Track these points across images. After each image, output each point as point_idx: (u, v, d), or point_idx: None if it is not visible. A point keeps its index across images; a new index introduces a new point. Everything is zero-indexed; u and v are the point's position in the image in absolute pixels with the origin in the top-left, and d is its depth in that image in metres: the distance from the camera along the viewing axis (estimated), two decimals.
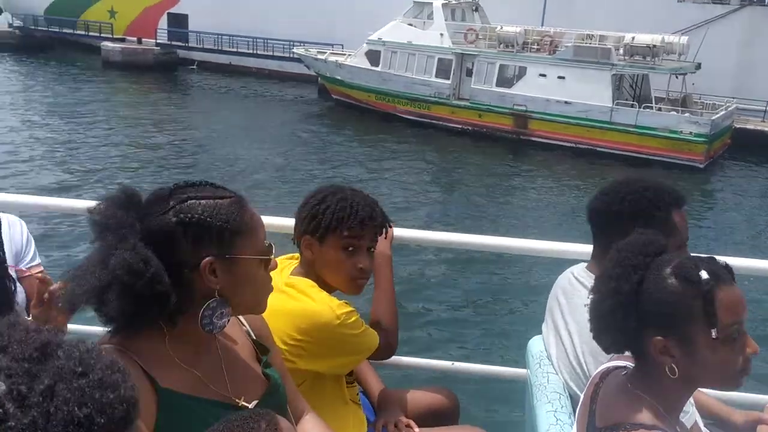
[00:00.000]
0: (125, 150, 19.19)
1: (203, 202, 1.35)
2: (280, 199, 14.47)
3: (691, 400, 1.87)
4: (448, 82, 25.04)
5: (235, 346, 1.55)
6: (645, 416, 1.42)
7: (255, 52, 34.92)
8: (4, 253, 2.05)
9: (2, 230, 2.11)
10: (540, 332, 2.18)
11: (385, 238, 2.15)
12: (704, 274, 1.38)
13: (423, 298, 10.10)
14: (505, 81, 24.26)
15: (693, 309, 1.37)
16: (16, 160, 17.14)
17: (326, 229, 1.97)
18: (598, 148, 22.06)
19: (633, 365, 1.53)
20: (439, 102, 25.07)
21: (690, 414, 1.82)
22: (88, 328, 2.27)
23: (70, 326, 2.24)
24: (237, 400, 1.46)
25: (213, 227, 1.33)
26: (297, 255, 2.11)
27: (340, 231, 1.97)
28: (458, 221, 14.74)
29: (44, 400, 0.68)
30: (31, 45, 37.26)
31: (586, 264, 2.08)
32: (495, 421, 5.82)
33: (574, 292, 2.00)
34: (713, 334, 1.37)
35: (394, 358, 2.39)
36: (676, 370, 1.40)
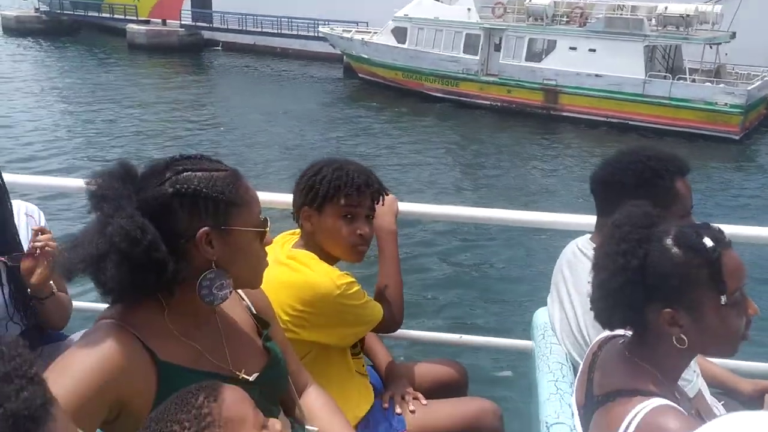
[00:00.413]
0: (152, 132, 19.35)
1: (199, 174, 1.37)
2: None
3: (697, 369, 1.92)
4: (476, 57, 24.92)
5: (235, 320, 1.57)
6: (643, 383, 1.42)
7: (280, 31, 34.99)
8: (21, 243, 2.10)
9: (20, 219, 2.16)
10: (545, 304, 2.20)
11: (383, 205, 2.16)
12: (708, 242, 1.39)
13: (430, 272, 10.19)
14: (534, 55, 24.09)
15: (700, 277, 1.38)
16: (43, 142, 17.37)
17: (324, 198, 2.01)
18: (631, 122, 21.87)
19: (630, 334, 1.53)
20: (467, 78, 24.98)
21: (693, 383, 1.84)
22: (96, 305, 2.33)
23: (79, 304, 2.32)
24: (237, 373, 1.47)
25: (209, 198, 1.35)
26: (298, 231, 2.15)
27: (338, 199, 2.01)
28: (486, 198, 14.73)
29: None
30: (58, 29, 37.66)
31: (590, 235, 2.09)
32: (503, 393, 5.88)
33: (577, 263, 2.01)
34: (723, 300, 1.38)
35: (402, 332, 2.41)
36: (686, 339, 1.41)
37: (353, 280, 2.02)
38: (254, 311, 1.66)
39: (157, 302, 1.40)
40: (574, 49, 23.10)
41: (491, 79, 24.62)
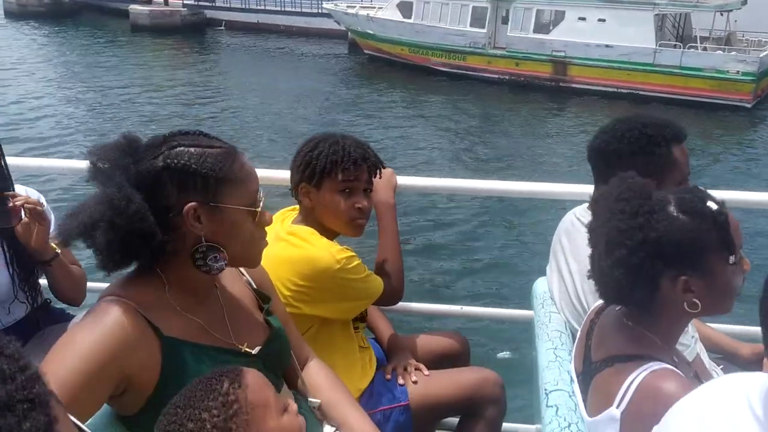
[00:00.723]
0: (158, 114, 19.37)
1: (192, 149, 1.39)
2: None
3: (695, 334, 1.94)
4: (484, 31, 24.69)
5: (235, 295, 1.59)
6: (640, 348, 1.44)
7: (283, 9, 34.77)
8: None
9: None
10: (545, 274, 2.23)
11: (380, 178, 2.19)
12: (713, 205, 1.42)
13: (431, 245, 10.29)
14: (542, 27, 23.84)
15: (711, 241, 1.40)
16: (48, 126, 17.40)
17: (321, 173, 2.04)
18: (641, 92, 21.68)
19: None
20: (475, 52, 24.78)
21: (691, 348, 1.86)
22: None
23: (94, 284, 2.35)
24: (240, 347, 1.50)
25: (198, 174, 1.37)
26: (297, 207, 2.18)
27: (335, 174, 2.03)
28: (495, 171, 14.71)
29: None
30: (60, 12, 37.53)
31: (587, 204, 2.05)
32: (504, 363, 5.93)
33: (575, 232, 2.02)
34: (731, 260, 1.42)
35: (403, 305, 2.45)
36: (699, 304, 1.43)
37: (353, 254, 2.05)
38: (254, 286, 1.68)
39: (158, 278, 1.42)
40: (583, 19, 22.84)
41: (499, 52, 24.42)
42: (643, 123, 1.92)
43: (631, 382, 1.37)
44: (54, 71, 24.87)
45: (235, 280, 1.63)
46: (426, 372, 2.23)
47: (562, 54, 23.07)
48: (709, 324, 2.27)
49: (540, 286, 2.24)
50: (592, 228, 1.53)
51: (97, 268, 1.38)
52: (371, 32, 27.59)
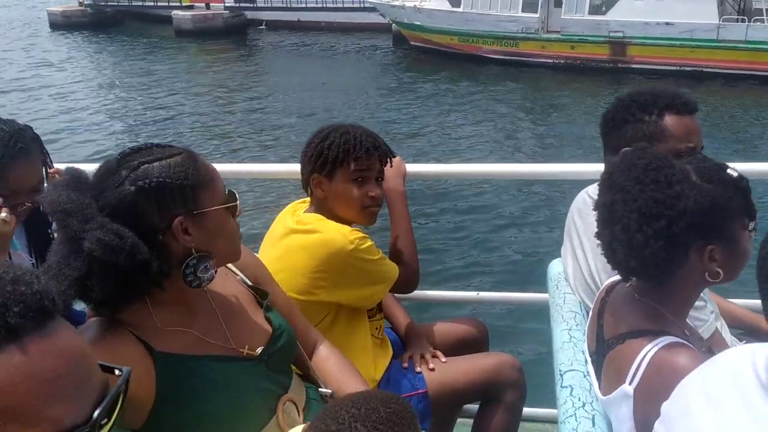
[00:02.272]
0: (206, 116, 19.55)
1: (156, 164, 1.35)
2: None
3: (715, 309, 1.94)
4: (536, 15, 24.62)
5: (230, 297, 1.57)
6: (652, 323, 1.44)
7: (324, 6, 35.05)
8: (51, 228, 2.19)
9: None
10: (560, 255, 2.23)
11: (390, 166, 2.22)
12: (733, 172, 1.43)
13: (445, 232, 10.33)
14: (598, 8, 23.72)
15: (734, 208, 1.41)
16: (100, 134, 17.63)
17: (334, 163, 2.06)
18: (705, 69, 21.46)
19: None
20: (528, 37, 24.73)
21: (709, 323, 1.86)
22: None
23: None
24: (241, 350, 1.49)
25: (173, 187, 1.34)
26: (307, 199, 2.21)
27: (348, 163, 2.06)
28: (556, 156, 14.55)
29: None
30: (103, 21, 38.23)
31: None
32: (524, 347, 5.85)
33: (588, 211, 1.96)
34: (751, 226, 1.44)
35: (419, 292, 2.47)
36: (720, 272, 1.43)
37: (365, 235, 2.07)
38: (249, 283, 1.67)
39: (144, 301, 1.40)
40: None
41: (553, 36, 24.32)
42: (638, 91, 1.91)
43: (643, 358, 1.38)
44: (102, 79, 25.32)
45: (227, 282, 1.61)
46: (443, 359, 2.24)
47: (620, 34, 22.90)
48: (730, 300, 2.26)
49: (555, 267, 2.24)
50: (607, 202, 1.47)
51: (93, 310, 1.37)
52: (418, 23, 27.63)
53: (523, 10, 24.97)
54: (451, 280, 8.41)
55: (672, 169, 1.42)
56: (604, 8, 23.56)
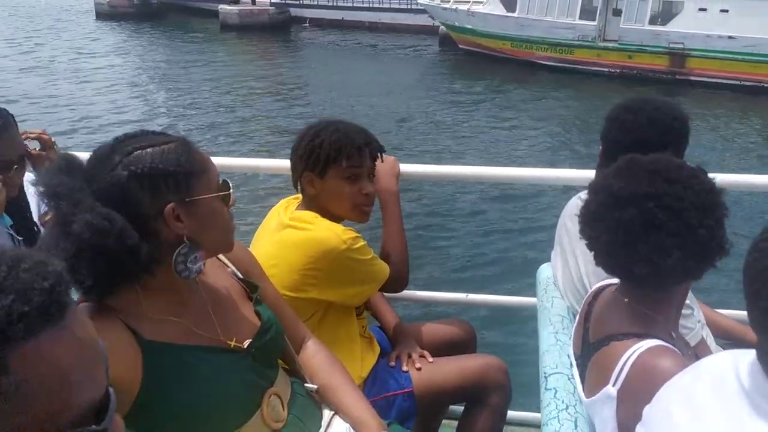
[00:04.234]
0: (248, 110, 19.64)
1: (149, 150, 1.37)
2: (422, 146, 14.97)
3: (701, 318, 1.96)
4: (594, 23, 24.58)
5: (221, 289, 1.59)
6: (637, 326, 1.46)
7: (371, 6, 35.28)
8: (30, 212, 2.31)
9: (27, 189, 2.31)
10: (550, 261, 2.26)
11: (382, 162, 2.24)
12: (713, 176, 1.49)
13: (436, 233, 10.40)
14: (658, 18, 23.63)
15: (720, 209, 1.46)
16: (141, 124, 17.75)
17: (326, 161, 2.08)
18: (766, 84, 21.39)
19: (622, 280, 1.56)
20: (584, 45, 24.70)
21: (695, 331, 1.87)
22: None
23: None
24: (229, 342, 1.51)
25: (166, 173, 1.36)
26: (299, 196, 2.23)
27: (340, 161, 2.08)
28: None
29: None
30: (148, 13, 38.73)
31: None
32: (510, 350, 5.91)
33: None
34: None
35: (408, 292, 2.50)
36: None
37: (358, 235, 2.09)
38: (240, 276, 1.70)
39: (134, 289, 1.41)
40: (703, 10, 22.55)
41: (610, 44, 24.28)
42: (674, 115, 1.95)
43: (627, 360, 1.39)
44: (149, 70, 25.60)
45: (219, 274, 1.63)
46: (430, 359, 2.27)
47: (680, 46, 22.84)
48: (717, 310, 2.29)
49: (544, 271, 2.27)
50: (637, 215, 1.42)
51: (86, 300, 1.38)
52: (470, 27, 27.66)
53: (580, 18, 24.94)
54: (440, 281, 8.47)
55: (688, 164, 1.49)
56: (664, 19, 23.52)
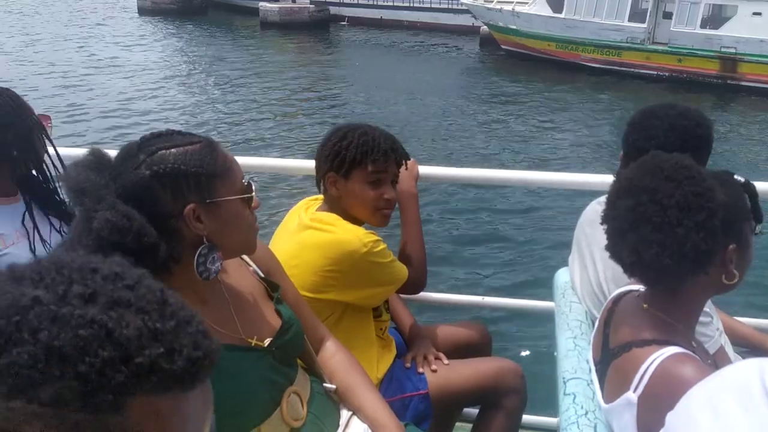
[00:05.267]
0: (289, 107, 19.67)
1: (173, 150, 1.38)
2: (463, 151, 14.90)
3: (720, 326, 1.95)
4: (644, 25, 24.38)
5: (242, 288, 1.61)
6: (658, 333, 1.46)
7: (411, 5, 35.34)
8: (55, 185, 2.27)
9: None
10: (567, 265, 2.25)
11: (406, 169, 2.27)
12: (740, 178, 1.50)
13: (452, 235, 10.35)
14: (710, 22, 23.35)
15: (747, 210, 1.47)
16: (185, 121, 17.75)
17: (351, 164, 2.10)
18: None
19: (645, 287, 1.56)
20: (632, 47, 24.51)
21: (714, 339, 1.86)
22: None
23: None
24: (250, 341, 1.52)
25: (188, 174, 1.38)
26: (320, 197, 2.25)
27: (365, 165, 2.10)
28: None
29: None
30: (190, 9, 39.21)
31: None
32: (527, 354, 5.86)
33: (599, 220, 1.98)
34: (758, 228, 1.50)
35: (425, 294, 2.51)
36: (736, 273, 1.46)
37: (379, 238, 2.11)
38: (262, 275, 1.71)
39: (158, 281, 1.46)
40: (758, 14, 22.23)
41: (660, 47, 24.05)
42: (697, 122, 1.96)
43: (648, 366, 1.39)
44: (190, 65, 25.82)
45: (240, 272, 1.65)
46: (446, 361, 2.27)
47: (733, 50, 22.57)
48: (736, 318, 2.28)
49: (561, 276, 2.27)
50: (630, 205, 1.45)
51: None
52: (514, 27, 27.59)
53: (629, 20, 24.74)
54: (456, 283, 8.47)
55: (697, 167, 1.46)
56: (715, 22, 23.24)
